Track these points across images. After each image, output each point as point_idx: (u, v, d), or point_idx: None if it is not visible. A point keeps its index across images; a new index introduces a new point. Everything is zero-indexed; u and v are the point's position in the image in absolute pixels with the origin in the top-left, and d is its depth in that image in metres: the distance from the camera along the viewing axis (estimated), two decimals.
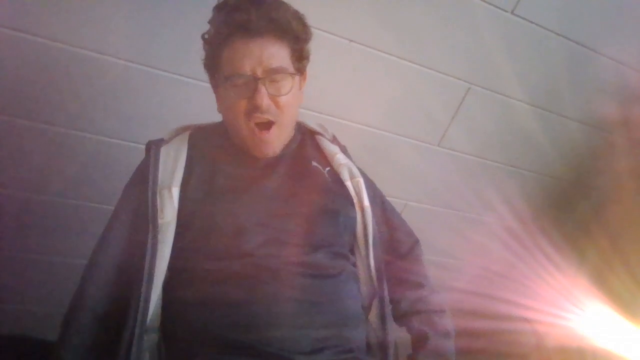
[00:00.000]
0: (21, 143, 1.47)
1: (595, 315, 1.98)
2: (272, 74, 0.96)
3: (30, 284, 1.76)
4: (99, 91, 1.44)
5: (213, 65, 1.02)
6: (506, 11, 1.60)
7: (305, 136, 1.15)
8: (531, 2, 1.60)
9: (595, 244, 2.11)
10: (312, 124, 1.19)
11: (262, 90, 0.94)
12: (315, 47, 1.06)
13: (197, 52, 1.05)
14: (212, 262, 0.91)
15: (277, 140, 1.02)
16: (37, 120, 1.44)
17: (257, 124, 0.98)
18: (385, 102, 1.74)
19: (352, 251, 1.05)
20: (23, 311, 1.82)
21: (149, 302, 0.89)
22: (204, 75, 1.07)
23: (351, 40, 1.56)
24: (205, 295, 0.89)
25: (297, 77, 1.01)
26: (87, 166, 1.55)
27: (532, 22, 1.65)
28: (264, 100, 0.95)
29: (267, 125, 0.98)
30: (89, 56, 1.37)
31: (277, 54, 0.97)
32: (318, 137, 1.17)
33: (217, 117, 1.10)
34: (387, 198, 1.21)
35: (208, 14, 1.01)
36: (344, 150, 1.18)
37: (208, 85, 1.08)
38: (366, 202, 1.05)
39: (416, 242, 1.17)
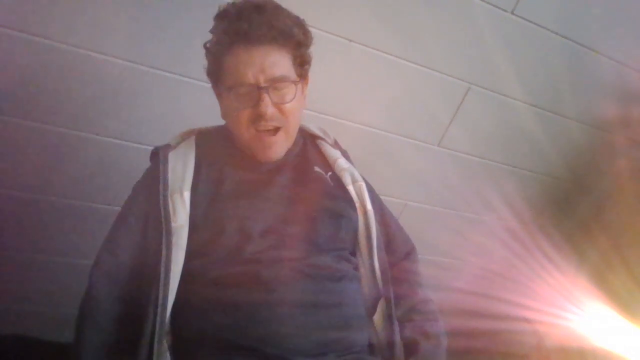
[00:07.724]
0: (21, 143, 1.47)
1: (595, 315, 1.98)
2: (275, 82, 0.96)
3: (30, 284, 1.76)
4: (99, 91, 1.44)
5: (215, 73, 1.02)
6: (506, 11, 1.60)
7: (307, 140, 1.16)
8: (531, 2, 1.60)
9: (595, 244, 2.11)
10: (314, 128, 1.20)
11: (266, 99, 0.94)
12: (315, 47, 1.06)
13: (197, 52, 1.04)
14: (219, 267, 0.92)
15: (282, 145, 1.03)
16: (37, 120, 1.44)
17: (262, 131, 0.98)
18: (385, 102, 1.74)
19: (353, 254, 1.05)
20: (23, 311, 1.82)
21: (167, 305, 0.90)
22: (204, 75, 1.07)
23: (351, 40, 1.56)
24: (210, 298, 0.90)
25: (299, 84, 1.01)
26: (87, 166, 1.55)
27: (532, 22, 1.65)
28: (269, 109, 0.95)
29: (273, 131, 0.99)
30: (90, 56, 1.37)
31: (279, 61, 0.96)
32: (319, 142, 1.17)
33: (218, 117, 1.10)
34: (387, 198, 1.22)
35: (208, 13, 1.01)
36: (345, 154, 1.18)
37: (208, 85, 1.08)
38: (369, 206, 1.06)
39: (412, 248, 1.17)
